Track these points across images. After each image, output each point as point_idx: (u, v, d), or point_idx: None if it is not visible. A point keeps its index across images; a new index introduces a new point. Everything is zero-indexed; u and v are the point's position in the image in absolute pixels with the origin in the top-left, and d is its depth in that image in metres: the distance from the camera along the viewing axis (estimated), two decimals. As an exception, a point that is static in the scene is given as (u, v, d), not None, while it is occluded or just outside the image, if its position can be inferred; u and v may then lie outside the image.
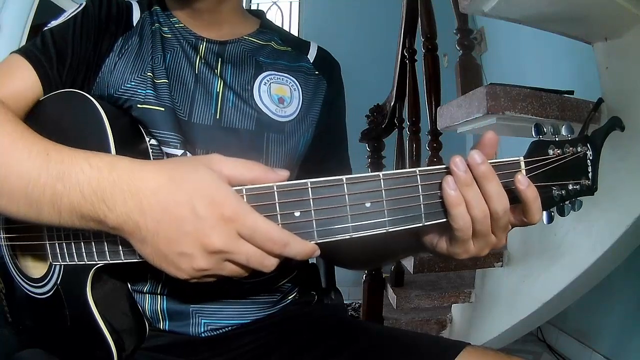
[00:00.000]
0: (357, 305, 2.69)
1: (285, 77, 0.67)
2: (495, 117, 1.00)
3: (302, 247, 0.40)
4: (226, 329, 0.62)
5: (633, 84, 0.99)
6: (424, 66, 1.58)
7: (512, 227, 0.46)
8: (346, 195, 0.41)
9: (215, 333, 0.62)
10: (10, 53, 0.58)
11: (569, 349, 1.99)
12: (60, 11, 0.62)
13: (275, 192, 0.40)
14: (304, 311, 0.71)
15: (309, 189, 0.40)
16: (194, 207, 0.38)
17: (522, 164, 0.44)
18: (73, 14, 0.61)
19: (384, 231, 0.42)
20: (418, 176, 0.42)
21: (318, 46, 0.76)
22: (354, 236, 0.41)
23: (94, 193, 0.39)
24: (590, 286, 1.30)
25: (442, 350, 0.57)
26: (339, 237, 0.41)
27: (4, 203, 0.43)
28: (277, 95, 0.65)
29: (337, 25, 3.27)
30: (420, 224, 0.42)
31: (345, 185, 0.41)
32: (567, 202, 0.46)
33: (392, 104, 1.93)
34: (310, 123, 0.68)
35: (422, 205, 0.42)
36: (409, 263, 1.44)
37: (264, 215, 0.39)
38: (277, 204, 0.40)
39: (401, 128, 1.96)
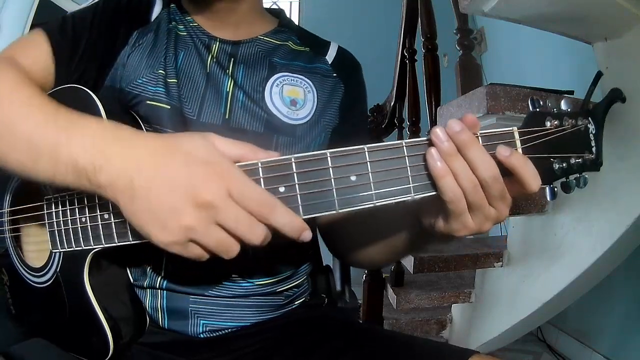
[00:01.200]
0: (357, 305, 2.69)
1: (300, 78, 0.66)
2: (495, 117, 1.00)
3: (290, 218, 0.39)
4: (226, 330, 0.62)
5: (633, 84, 0.99)
6: (424, 66, 1.58)
7: (513, 198, 0.44)
8: (330, 169, 0.40)
9: (214, 335, 0.61)
10: (37, 28, 0.60)
11: (569, 349, 1.99)
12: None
13: (260, 168, 0.40)
14: (311, 314, 0.69)
15: (293, 163, 0.40)
16: (188, 165, 0.39)
17: (516, 134, 0.42)
18: (95, 1, 0.62)
19: (372, 205, 0.41)
20: (404, 148, 0.41)
21: (339, 46, 0.73)
22: (340, 211, 0.41)
23: (94, 145, 0.40)
24: (590, 286, 1.30)
25: (448, 358, 0.56)
26: (326, 212, 0.41)
27: (5, 149, 0.45)
28: (290, 97, 0.64)
29: (337, 25, 3.27)
30: (410, 197, 0.41)
31: (329, 158, 0.40)
32: (571, 178, 0.44)
33: (392, 104, 1.93)
34: (324, 127, 0.66)
35: (410, 177, 0.41)
36: (409, 263, 1.44)
37: None
38: (261, 179, 0.40)
39: (401, 128, 1.96)
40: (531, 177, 0.41)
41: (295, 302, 0.69)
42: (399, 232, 0.56)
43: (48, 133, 0.42)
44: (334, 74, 0.69)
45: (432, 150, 0.40)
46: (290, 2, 3.58)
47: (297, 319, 0.67)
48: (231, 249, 0.40)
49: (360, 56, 0.76)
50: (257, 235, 0.39)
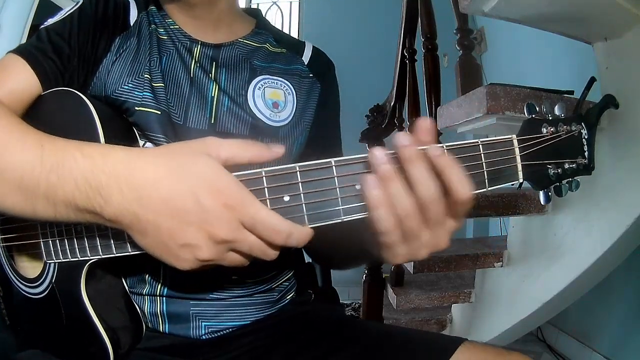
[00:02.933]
0: (357, 305, 2.69)
1: (280, 81, 0.67)
2: (495, 117, 1.00)
3: (303, 237, 0.39)
4: (226, 330, 0.62)
5: (633, 84, 0.99)
6: (424, 66, 1.58)
7: (453, 225, 0.41)
8: (335, 178, 0.40)
9: (215, 335, 0.62)
10: (7, 53, 0.58)
11: (569, 349, 1.99)
12: (60, 11, 0.62)
13: (264, 177, 0.40)
14: (303, 311, 0.71)
15: (298, 172, 0.40)
16: (197, 198, 0.37)
17: (515, 142, 0.43)
18: (69, 12, 0.61)
19: None
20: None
21: (313, 46, 0.75)
22: (345, 219, 0.40)
23: (88, 184, 0.38)
24: (590, 286, 1.30)
25: (440, 346, 0.57)
26: (331, 221, 0.40)
27: (1, 201, 0.42)
28: (272, 100, 0.65)
29: (337, 25, 3.27)
30: None
31: (334, 167, 0.40)
32: (564, 182, 0.46)
33: (392, 104, 1.93)
34: (305, 127, 0.67)
35: None
36: (409, 263, 1.44)
37: None
38: (265, 189, 0.40)
39: (401, 128, 1.96)
40: (459, 182, 0.37)
41: (287, 297, 0.70)
42: (355, 249, 0.57)
43: (36, 175, 0.39)
44: (311, 74, 0.70)
45: (369, 177, 0.38)
46: (290, 2, 3.58)
47: (291, 316, 0.68)
48: (245, 264, 0.41)
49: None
50: (270, 256, 0.40)
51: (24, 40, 1.95)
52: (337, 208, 0.40)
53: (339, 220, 0.40)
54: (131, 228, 0.39)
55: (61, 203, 0.40)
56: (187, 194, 0.37)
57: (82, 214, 0.40)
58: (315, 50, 0.74)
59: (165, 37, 0.64)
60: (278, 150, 0.41)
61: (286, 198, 0.40)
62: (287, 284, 0.70)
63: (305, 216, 0.40)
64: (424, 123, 0.39)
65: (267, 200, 0.40)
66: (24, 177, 0.40)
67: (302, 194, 0.40)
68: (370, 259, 0.50)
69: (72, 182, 0.38)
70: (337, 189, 0.40)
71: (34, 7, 1.98)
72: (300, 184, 0.40)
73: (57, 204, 0.40)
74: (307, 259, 0.80)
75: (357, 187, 0.40)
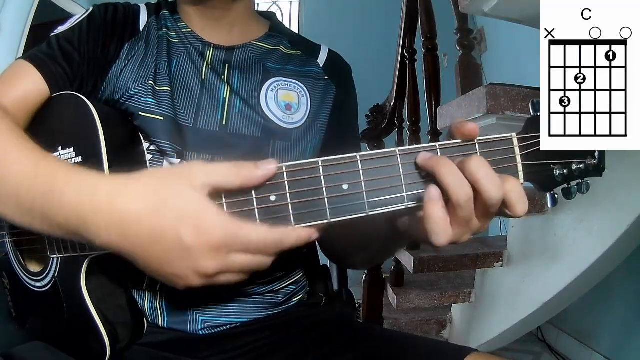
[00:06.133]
0: (357, 305, 2.69)
1: (293, 83, 0.66)
2: (495, 117, 1.00)
3: (297, 236, 0.39)
4: (225, 327, 0.62)
5: (633, 84, 0.99)
6: (424, 66, 1.58)
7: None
8: (322, 178, 0.40)
9: (213, 331, 0.62)
10: (17, 59, 0.58)
11: (569, 349, 1.99)
12: (60, 11, 0.63)
13: None
14: (309, 313, 0.70)
15: (284, 172, 0.40)
16: (180, 236, 0.37)
17: (515, 141, 0.41)
18: (79, 19, 0.62)
19: (364, 215, 0.40)
20: (398, 156, 0.40)
21: (329, 49, 0.74)
22: (332, 221, 0.40)
23: (76, 218, 0.39)
24: (590, 286, 1.30)
25: (446, 356, 0.56)
26: (317, 222, 0.40)
27: (1, 209, 0.45)
28: (285, 102, 0.64)
29: (337, 25, 3.27)
30: (403, 206, 0.40)
31: (320, 167, 0.40)
32: (573, 184, 0.43)
33: (392, 104, 1.93)
34: (319, 130, 0.67)
35: (403, 185, 0.40)
36: (409, 263, 1.44)
37: (240, 200, 0.39)
38: (252, 190, 0.40)
39: (401, 128, 1.96)
40: (453, 185, 0.38)
41: (293, 300, 0.69)
42: (377, 239, 0.56)
43: (31, 196, 0.42)
44: (326, 77, 0.70)
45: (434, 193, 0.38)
46: (290, 2, 3.58)
47: (296, 317, 0.67)
48: (243, 279, 0.42)
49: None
50: (266, 264, 0.40)
51: (24, 40, 1.95)
52: (323, 208, 0.40)
53: (326, 221, 0.40)
54: (124, 256, 0.40)
55: (56, 227, 0.42)
56: (170, 231, 0.37)
57: (76, 237, 0.42)
58: (331, 54, 0.74)
59: (177, 41, 0.64)
60: (269, 167, 0.39)
61: (272, 197, 0.40)
62: (293, 287, 0.69)
63: (292, 216, 0.40)
64: (472, 128, 0.40)
65: (254, 199, 0.40)
66: (20, 195, 0.42)
67: (288, 194, 0.40)
68: (407, 240, 0.51)
69: (61, 214, 0.40)
70: (324, 188, 0.40)
71: (34, 7, 1.98)
72: (286, 183, 0.40)
73: (53, 227, 0.42)
74: (324, 261, 0.79)
75: (344, 187, 0.40)
